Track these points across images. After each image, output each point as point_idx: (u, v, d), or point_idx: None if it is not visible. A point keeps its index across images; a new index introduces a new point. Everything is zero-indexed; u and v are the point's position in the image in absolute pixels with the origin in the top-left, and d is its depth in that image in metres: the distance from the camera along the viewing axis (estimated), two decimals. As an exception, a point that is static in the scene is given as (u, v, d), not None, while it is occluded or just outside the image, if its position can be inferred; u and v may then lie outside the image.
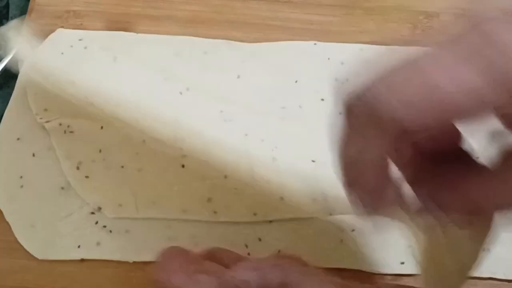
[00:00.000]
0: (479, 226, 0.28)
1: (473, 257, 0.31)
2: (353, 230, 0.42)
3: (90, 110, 0.47)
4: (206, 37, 0.51)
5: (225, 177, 0.44)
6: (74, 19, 0.52)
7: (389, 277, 0.41)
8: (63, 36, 0.51)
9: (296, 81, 0.49)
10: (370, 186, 0.28)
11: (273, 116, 0.47)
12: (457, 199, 0.26)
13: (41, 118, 0.46)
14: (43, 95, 0.47)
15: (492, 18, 0.21)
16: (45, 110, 0.47)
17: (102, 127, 0.46)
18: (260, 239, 0.42)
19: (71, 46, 0.50)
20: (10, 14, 0.53)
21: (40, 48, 0.50)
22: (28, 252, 0.41)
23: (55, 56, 0.50)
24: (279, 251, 0.42)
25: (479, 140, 0.26)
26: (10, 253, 0.41)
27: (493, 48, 0.20)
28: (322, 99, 0.48)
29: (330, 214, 0.43)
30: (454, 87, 0.20)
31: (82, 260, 0.41)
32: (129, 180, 0.44)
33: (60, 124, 0.46)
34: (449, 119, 0.21)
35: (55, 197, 0.44)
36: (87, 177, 0.44)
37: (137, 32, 0.51)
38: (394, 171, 0.28)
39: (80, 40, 0.51)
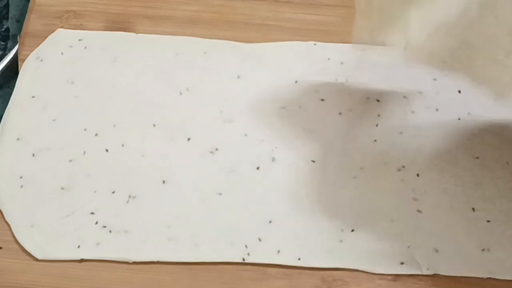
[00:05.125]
0: None
1: None
2: (352, 230, 0.42)
3: None
4: (206, 37, 0.51)
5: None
6: (74, 19, 0.52)
7: (389, 277, 0.41)
8: (63, 36, 0.51)
9: (296, 81, 0.49)
10: None
11: (273, 116, 0.47)
12: None
13: None
14: None
15: None
16: None
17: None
18: (260, 239, 0.42)
19: (71, 46, 0.50)
20: (10, 14, 0.53)
21: (40, 48, 0.50)
22: (28, 252, 0.41)
23: (55, 56, 0.50)
24: (278, 251, 0.42)
25: None
26: (10, 253, 0.42)
27: None
28: (322, 99, 0.48)
29: None
30: None
31: (82, 260, 0.41)
32: None
33: None
34: None
35: (55, 197, 0.44)
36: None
37: (137, 32, 0.51)
38: None
39: (80, 40, 0.51)
